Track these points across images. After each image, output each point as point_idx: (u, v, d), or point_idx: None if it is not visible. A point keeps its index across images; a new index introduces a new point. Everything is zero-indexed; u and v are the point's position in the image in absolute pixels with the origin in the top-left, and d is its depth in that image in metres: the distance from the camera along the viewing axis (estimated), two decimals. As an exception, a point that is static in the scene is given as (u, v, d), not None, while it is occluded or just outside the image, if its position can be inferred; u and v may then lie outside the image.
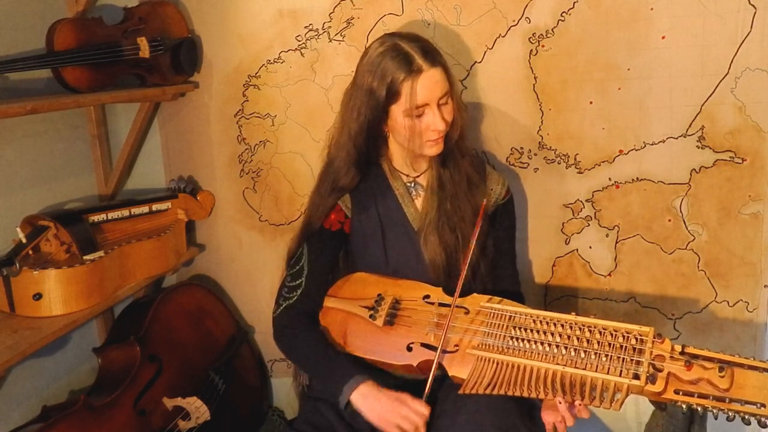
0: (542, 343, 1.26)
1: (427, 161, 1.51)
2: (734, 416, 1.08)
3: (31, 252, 1.56)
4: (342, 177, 1.48)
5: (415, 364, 1.34)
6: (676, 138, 1.64)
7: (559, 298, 1.83)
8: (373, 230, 1.51)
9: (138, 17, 1.76)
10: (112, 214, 1.76)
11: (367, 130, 1.42)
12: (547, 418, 1.26)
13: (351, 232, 1.53)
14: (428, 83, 1.34)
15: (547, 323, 1.29)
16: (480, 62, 1.71)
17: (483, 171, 1.55)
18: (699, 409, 1.10)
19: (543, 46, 1.67)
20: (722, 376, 1.11)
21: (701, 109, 1.61)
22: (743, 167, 1.62)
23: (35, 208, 1.71)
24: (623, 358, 1.19)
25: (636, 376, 1.15)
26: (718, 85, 1.58)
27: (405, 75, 1.33)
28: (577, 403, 1.18)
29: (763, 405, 1.07)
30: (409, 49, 1.35)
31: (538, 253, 1.81)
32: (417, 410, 1.27)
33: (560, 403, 1.18)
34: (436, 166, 1.49)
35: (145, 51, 1.72)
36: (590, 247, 1.77)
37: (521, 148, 1.74)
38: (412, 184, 1.53)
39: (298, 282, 1.48)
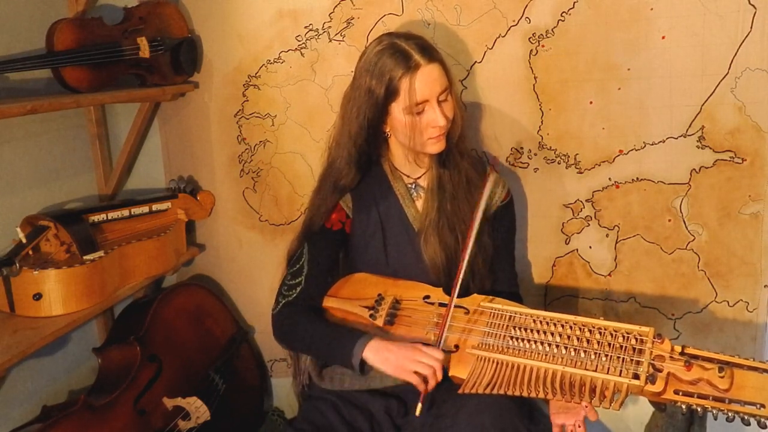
0: (542, 343, 1.26)
1: (428, 161, 1.51)
2: (734, 417, 1.08)
3: (31, 252, 1.56)
4: (343, 177, 1.49)
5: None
6: (676, 138, 1.64)
7: (559, 298, 1.83)
8: (374, 230, 1.51)
9: (138, 17, 1.76)
10: (112, 214, 1.76)
11: (367, 129, 1.42)
12: (557, 420, 1.26)
13: (352, 232, 1.53)
14: (427, 79, 1.34)
15: (547, 323, 1.29)
16: (480, 62, 1.71)
17: (483, 171, 1.55)
18: (699, 409, 1.10)
19: (543, 46, 1.67)
20: (722, 377, 1.11)
21: (701, 109, 1.61)
22: (743, 167, 1.62)
23: (35, 208, 1.71)
24: (623, 358, 1.19)
25: (636, 376, 1.15)
26: (718, 85, 1.58)
27: (403, 72, 1.33)
28: (584, 404, 1.18)
29: (763, 406, 1.07)
30: (406, 47, 1.35)
31: (538, 253, 1.81)
32: (432, 354, 1.27)
33: (585, 407, 1.18)
34: (436, 167, 1.49)
35: (145, 51, 1.72)
36: (590, 247, 1.77)
37: (521, 148, 1.74)
38: (413, 185, 1.53)
39: (297, 280, 1.48)
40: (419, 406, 1.26)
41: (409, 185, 1.53)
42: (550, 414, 1.28)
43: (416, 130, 1.38)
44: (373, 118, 1.40)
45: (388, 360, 1.29)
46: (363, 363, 1.31)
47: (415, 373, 1.26)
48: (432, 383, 1.26)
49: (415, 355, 1.27)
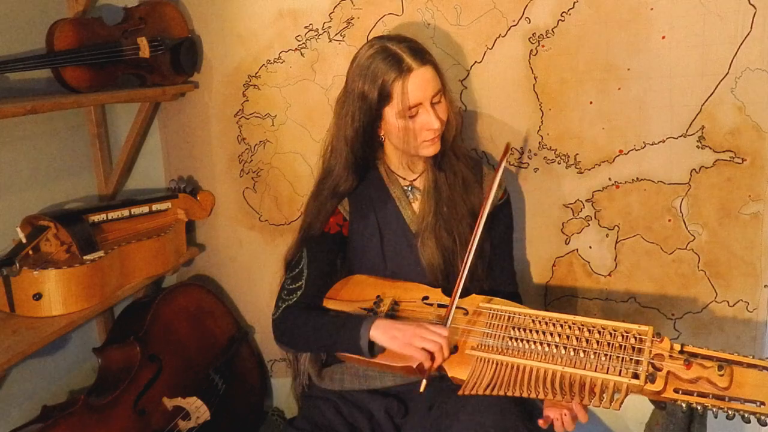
0: (541, 343, 1.25)
1: (424, 163, 1.51)
2: (734, 415, 1.08)
3: (31, 252, 1.56)
4: (342, 182, 1.48)
5: (414, 365, 1.34)
6: (676, 138, 1.64)
7: (559, 298, 1.83)
8: (372, 233, 1.51)
9: (138, 17, 1.76)
10: (112, 214, 1.76)
11: (362, 134, 1.42)
12: (547, 413, 1.25)
13: (349, 235, 1.53)
14: (419, 82, 1.34)
15: (546, 323, 1.29)
16: (480, 62, 1.71)
17: (479, 172, 1.55)
18: (699, 407, 1.10)
19: (543, 46, 1.67)
20: (721, 375, 1.11)
21: (701, 109, 1.61)
22: (743, 167, 1.62)
23: (35, 208, 1.72)
24: (622, 358, 1.19)
25: (635, 376, 1.15)
26: (718, 85, 1.58)
27: (395, 75, 1.33)
28: (574, 402, 1.17)
29: (763, 403, 1.07)
30: (397, 50, 1.35)
31: (538, 253, 1.81)
32: (438, 332, 1.27)
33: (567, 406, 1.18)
34: (432, 169, 1.49)
35: (145, 51, 1.72)
36: (590, 247, 1.77)
37: (521, 148, 1.74)
38: (410, 188, 1.53)
39: (297, 285, 1.48)
40: (423, 382, 1.25)
41: (406, 188, 1.53)
42: (544, 409, 1.28)
43: (410, 133, 1.38)
44: (367, 122, 1.40)
45: (396, 338, 1.28)
46: (371, 344, 1.31)
47: (423, 349, 1.26)
48: (438, 359, 1.26)
49: (422, 332, 1.27)
